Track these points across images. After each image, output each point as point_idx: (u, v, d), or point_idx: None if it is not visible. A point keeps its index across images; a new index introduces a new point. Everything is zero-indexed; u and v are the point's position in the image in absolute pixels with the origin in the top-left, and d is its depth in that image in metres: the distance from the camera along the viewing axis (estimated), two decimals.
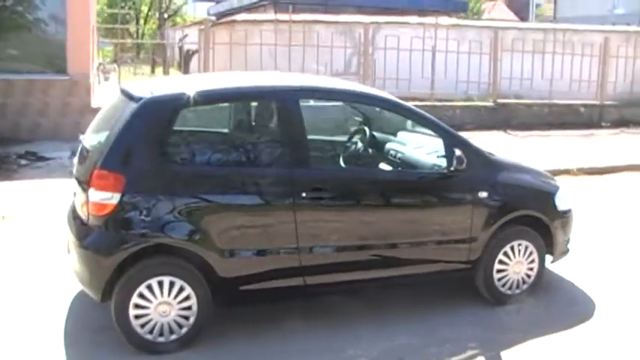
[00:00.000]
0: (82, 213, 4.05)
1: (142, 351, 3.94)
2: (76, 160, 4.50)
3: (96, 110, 5.32)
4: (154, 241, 3.89)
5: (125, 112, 3.98)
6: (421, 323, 4.50)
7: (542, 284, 4.98)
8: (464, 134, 5.06)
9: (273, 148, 4.23)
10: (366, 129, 5.40)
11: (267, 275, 4.12)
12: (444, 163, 4.57)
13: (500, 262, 4.75)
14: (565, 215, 5.04)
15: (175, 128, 4.11)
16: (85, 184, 4.03)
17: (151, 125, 3.96)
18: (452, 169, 4.49)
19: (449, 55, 13.47)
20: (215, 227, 3.96)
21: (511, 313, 4.71)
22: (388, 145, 5.27)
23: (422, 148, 4.93)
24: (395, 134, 5.40)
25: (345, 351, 4.11)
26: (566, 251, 5.15)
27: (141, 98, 3.97)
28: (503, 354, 4.14)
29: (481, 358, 4.11)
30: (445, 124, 4.68)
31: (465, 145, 4.60)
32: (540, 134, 12.80)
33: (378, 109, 5.02)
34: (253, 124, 4.41)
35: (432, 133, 4.66)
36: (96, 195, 3.84)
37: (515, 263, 4.80)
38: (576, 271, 5.42)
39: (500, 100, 13.72)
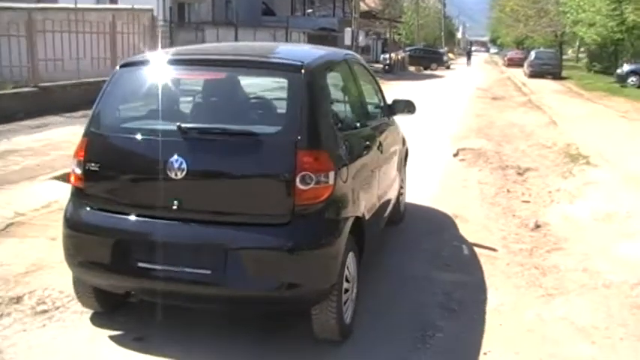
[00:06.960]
0: (269, 209, 3.41)
1: (342, 338, 3.70)
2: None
3: None
4: (355, 215, 3.72)
5: (288, 83, 3.58)
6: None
7: None
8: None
9: (363, 104, 4.68)
10: None
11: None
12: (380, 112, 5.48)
13: None
14: None
15: (327, 94, 3.88)
16: (265, 177, 3.43)
17: (320, 93, 3.73)
18: (396, 115, 5.53)
19: None
20: (364, 186, 4.07)
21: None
22: None
23: None
24: None
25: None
26: None
27: (300, 67, 3.59)
28: (470, 238, 5.72)
29: (465, 245, 5.56)
30: None
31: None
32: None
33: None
34: (351, 85, 4.53)
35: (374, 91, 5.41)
36: (310, 180, 3.35)
37: None
38: None
39: (42, 84, 13.02)
